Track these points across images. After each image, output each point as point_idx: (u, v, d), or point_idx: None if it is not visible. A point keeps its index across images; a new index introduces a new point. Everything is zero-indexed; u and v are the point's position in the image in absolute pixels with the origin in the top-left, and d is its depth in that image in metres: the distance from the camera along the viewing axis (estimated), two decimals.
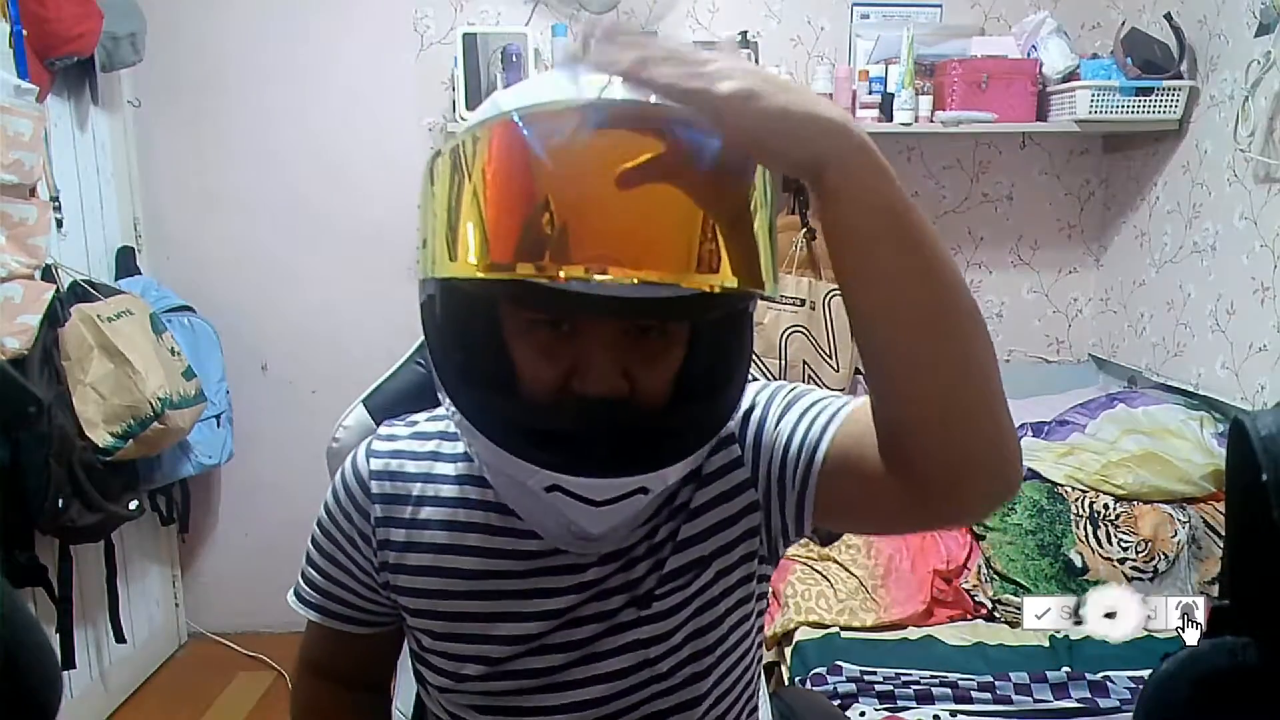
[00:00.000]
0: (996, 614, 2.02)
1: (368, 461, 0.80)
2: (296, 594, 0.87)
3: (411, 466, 0.80)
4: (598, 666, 0.77)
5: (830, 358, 2.51)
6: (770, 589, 0.88)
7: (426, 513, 0.79)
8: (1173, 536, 2.00)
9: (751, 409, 0.79)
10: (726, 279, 0.57)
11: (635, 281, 0.55)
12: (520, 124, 0.58)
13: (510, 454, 0.64)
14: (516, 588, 0.77)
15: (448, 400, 0.69)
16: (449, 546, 0.78)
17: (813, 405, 0.76)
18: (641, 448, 0.64)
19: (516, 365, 0.66)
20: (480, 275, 0.58)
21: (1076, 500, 2.09)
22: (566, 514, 0.66)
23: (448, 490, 0.79)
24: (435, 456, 0.80)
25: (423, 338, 0.81)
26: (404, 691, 1.06)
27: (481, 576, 0.77)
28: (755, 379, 0.83)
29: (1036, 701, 1.73)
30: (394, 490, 0.79)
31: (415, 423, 0.84)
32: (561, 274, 0.55)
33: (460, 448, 0.80)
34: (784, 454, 0.75)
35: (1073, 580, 1.98)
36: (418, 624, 0.80)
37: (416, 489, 0.79)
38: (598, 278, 0.55)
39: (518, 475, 0.65)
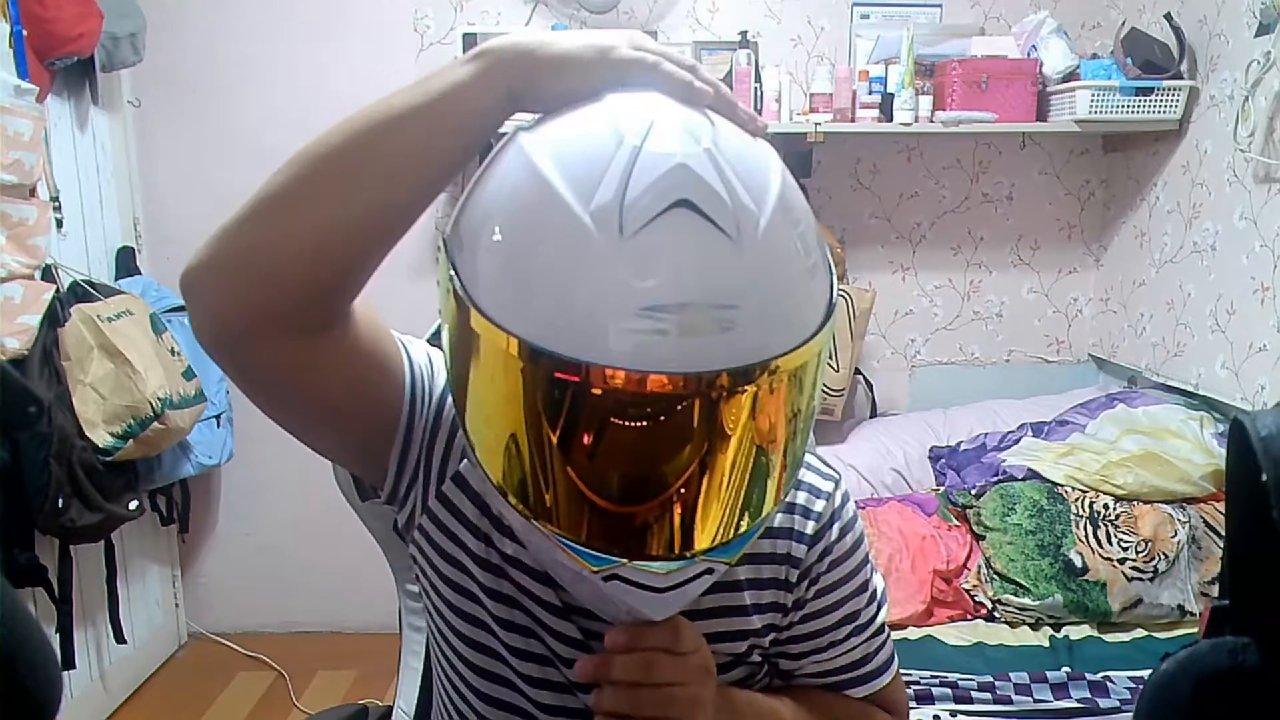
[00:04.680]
0: (996, 614, 2.02)
1: None
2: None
3: None
4: None
5: (830, 358, 2.50)
6: None
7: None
8: (1173, 536, 2.00)
9: (821, 535, 0.78)
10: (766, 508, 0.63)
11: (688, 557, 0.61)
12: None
13: (565, 544, 0.60)
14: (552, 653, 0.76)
15: (482, 471, 0.63)
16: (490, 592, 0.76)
17: (863, 645, 0.82)
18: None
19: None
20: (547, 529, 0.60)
21: (1076, 500, 2.09)
22: (627, 600, 0.62)
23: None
24: None
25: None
26: (405, 691, 1.06)
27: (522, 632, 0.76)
28: (832, 473, 0.83)
29: (1036, 701, 1.73)
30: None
31: None
32: (634, 563, 0.59)
33: None
34: (807, 652, 0.81)
35: (1073, 580, 1.98)
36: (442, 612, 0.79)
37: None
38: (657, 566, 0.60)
39: (572, 565, 0.61)
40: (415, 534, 0.77)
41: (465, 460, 0.74)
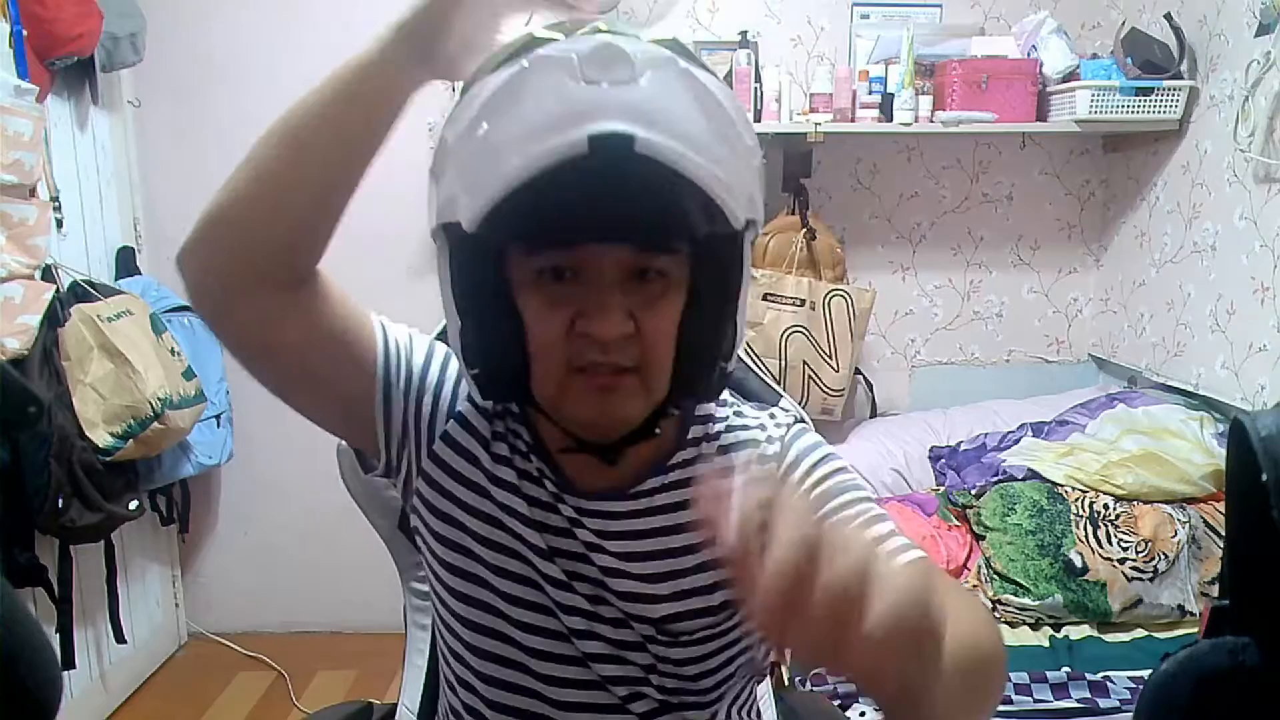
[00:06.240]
0: (996, 614, 2.02)
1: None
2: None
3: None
4: (606, 669, 0.77)
5: (830, 358, 2.51)
6: None
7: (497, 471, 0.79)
8: (1173, 536, 2.00)
9: (794, 466, 0.78)
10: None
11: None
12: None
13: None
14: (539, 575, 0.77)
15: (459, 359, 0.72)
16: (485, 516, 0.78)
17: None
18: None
19: (525, 318, 0.68)
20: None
21: (1076, 500, 2.09)
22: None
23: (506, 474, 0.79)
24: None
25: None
26: (410, 689, 1.06)
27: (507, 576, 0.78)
28: (803, 422, 0.84)
29: (1036, 701, 1.73)
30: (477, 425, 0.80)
31: None
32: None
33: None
34: None
35: (1073, 580, 1.98)
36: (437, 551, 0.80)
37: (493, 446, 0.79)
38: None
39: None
40: (414, 501, 0.81)
41: (453, 421, 0.80)
